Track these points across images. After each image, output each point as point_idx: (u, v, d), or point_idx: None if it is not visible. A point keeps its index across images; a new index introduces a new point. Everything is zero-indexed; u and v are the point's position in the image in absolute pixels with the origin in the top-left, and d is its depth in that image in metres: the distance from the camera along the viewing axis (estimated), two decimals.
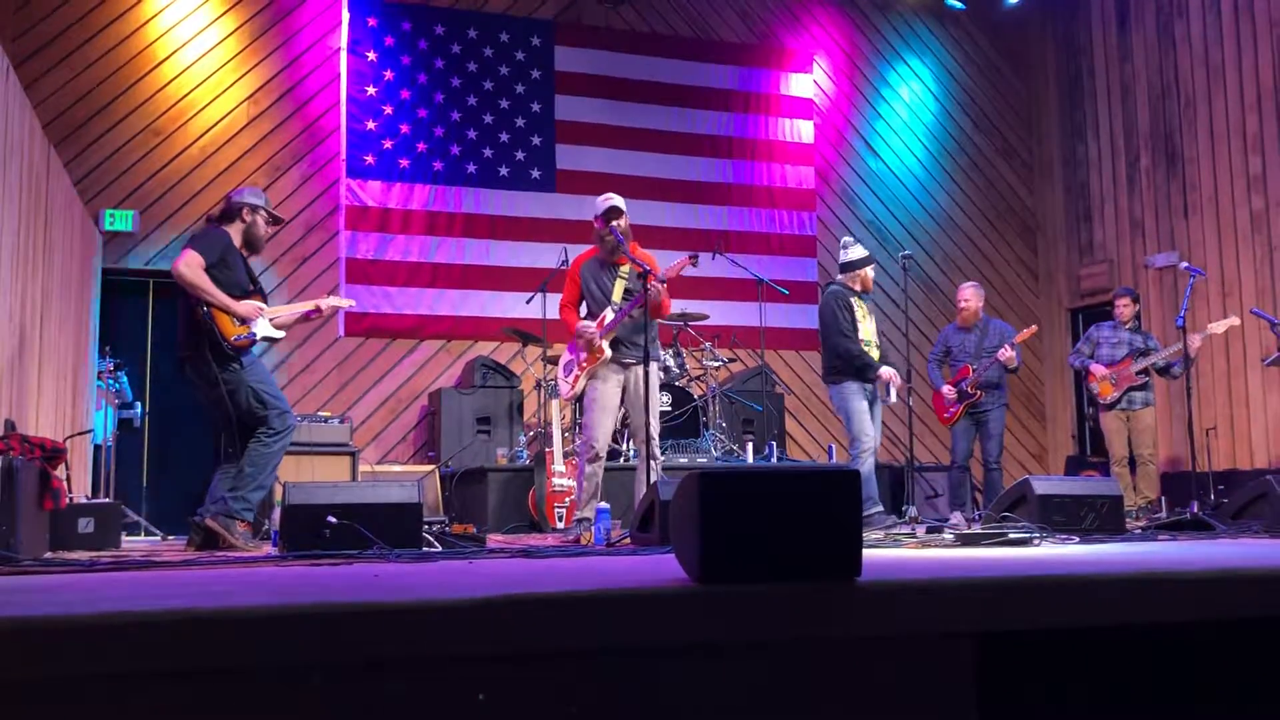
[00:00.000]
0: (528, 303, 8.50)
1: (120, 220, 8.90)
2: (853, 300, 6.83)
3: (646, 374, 5.74)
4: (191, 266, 4.98)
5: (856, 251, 7.05)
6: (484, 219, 9.83)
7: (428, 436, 9.34)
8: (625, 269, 5.89)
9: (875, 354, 6.75)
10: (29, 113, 5.84)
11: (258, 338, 5.14)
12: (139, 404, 8.04)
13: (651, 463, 5.48)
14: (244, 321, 5.05)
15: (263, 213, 5.33)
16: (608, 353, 5.75)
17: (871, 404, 6.72)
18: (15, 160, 5.34)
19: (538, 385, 8.58)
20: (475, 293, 9.67)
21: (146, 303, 9.08)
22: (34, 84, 8.48)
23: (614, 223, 5.77)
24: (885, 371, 6.65)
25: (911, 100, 11.49)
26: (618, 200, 5.88)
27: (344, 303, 5.90)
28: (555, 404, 7.55)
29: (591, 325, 5.74)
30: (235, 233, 5.29)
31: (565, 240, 8.85)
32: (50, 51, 8.80)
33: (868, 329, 6.84)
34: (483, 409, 8.83)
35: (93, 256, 8.34)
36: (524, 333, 8.56)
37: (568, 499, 7.17)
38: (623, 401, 5.88)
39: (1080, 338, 8.62)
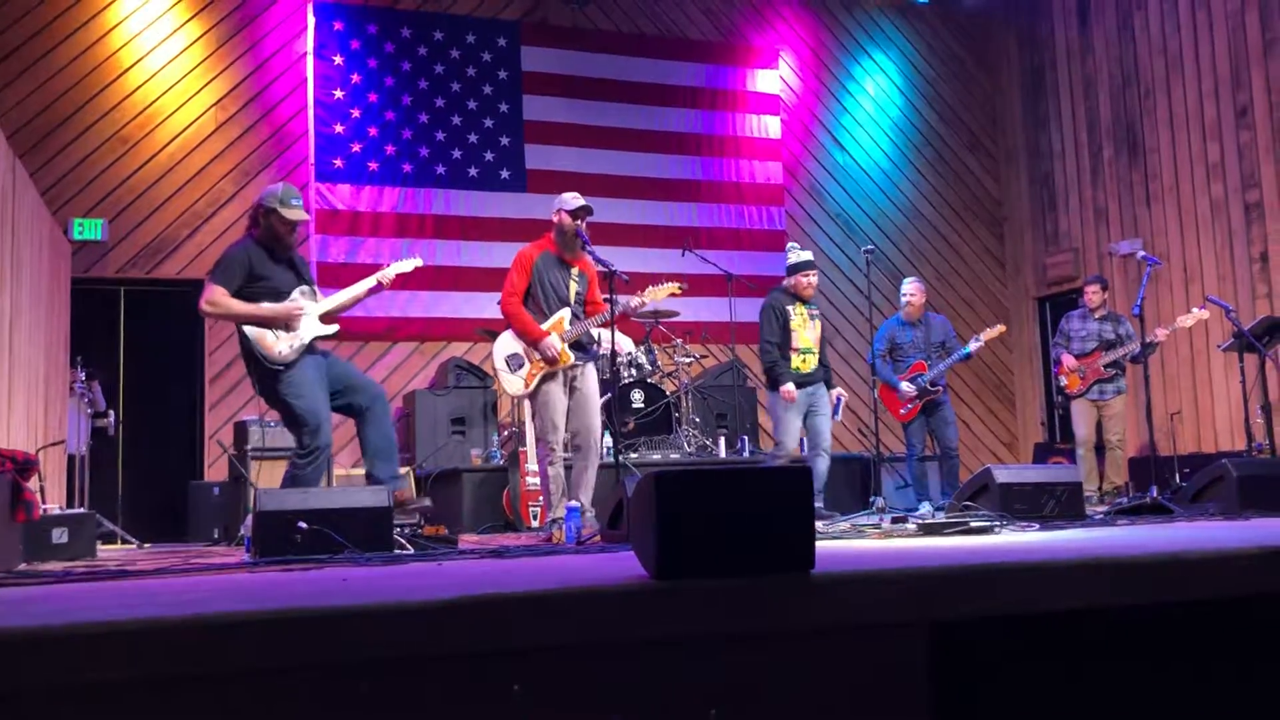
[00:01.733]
0: (499, 305, 8.45)
1: (89, 229, 8.89)
2: (789, 307, 6.93)
3: (586, 375, 5.81)
4: (214, 301, 5.00)
5: (796, 255, 7.09)
6: (454, 220, 9.84)
7: (403, 439, 9.08)
8: (576, 270, 5.87)
9: (813, 361, 6.90)
10: None
11: (304, 344, 5.05)
12: (112, 412, 8.01)
13: (621, 460, 5.54)
14: (287, 329, 5.02)
15: (275, 215, 5.17)
16: (571, 358, 5.72)
17: (812, 411, 6.94)
18: None
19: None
20: (447, 294, 9.67)
21: (118, 311, 9.03)
22: None
23: (579, 223, 5.76)
24: (834, 393, 7.07)
25: (877, 94, 11.53)
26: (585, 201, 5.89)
27: (407, 265, 5.64)
28: (528, 404, 7.29)
29: (557, 346, 5.67)
30: (261, 236, 5.20)
31: (533, 239, 8.90)
32: (13, 62, 8.78)
33: (806, 336, 6.92)
34: (457, 410, 8.80)
35: (62, 266, 8.33)
36: (497, 333, 7.77)
37: (541, 498, 7.09)
38: (570, 402, 5.82)
39: (1051, 326, 8.60)
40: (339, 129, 9.58)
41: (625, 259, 7.96)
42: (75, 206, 8.92)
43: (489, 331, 8.46)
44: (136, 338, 8.90)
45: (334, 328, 5.27)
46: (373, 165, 9.66)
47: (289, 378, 4.99)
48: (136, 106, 9.08)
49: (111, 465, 8.65)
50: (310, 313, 5.09)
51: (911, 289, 7.78)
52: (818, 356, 7.02)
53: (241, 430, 7.66)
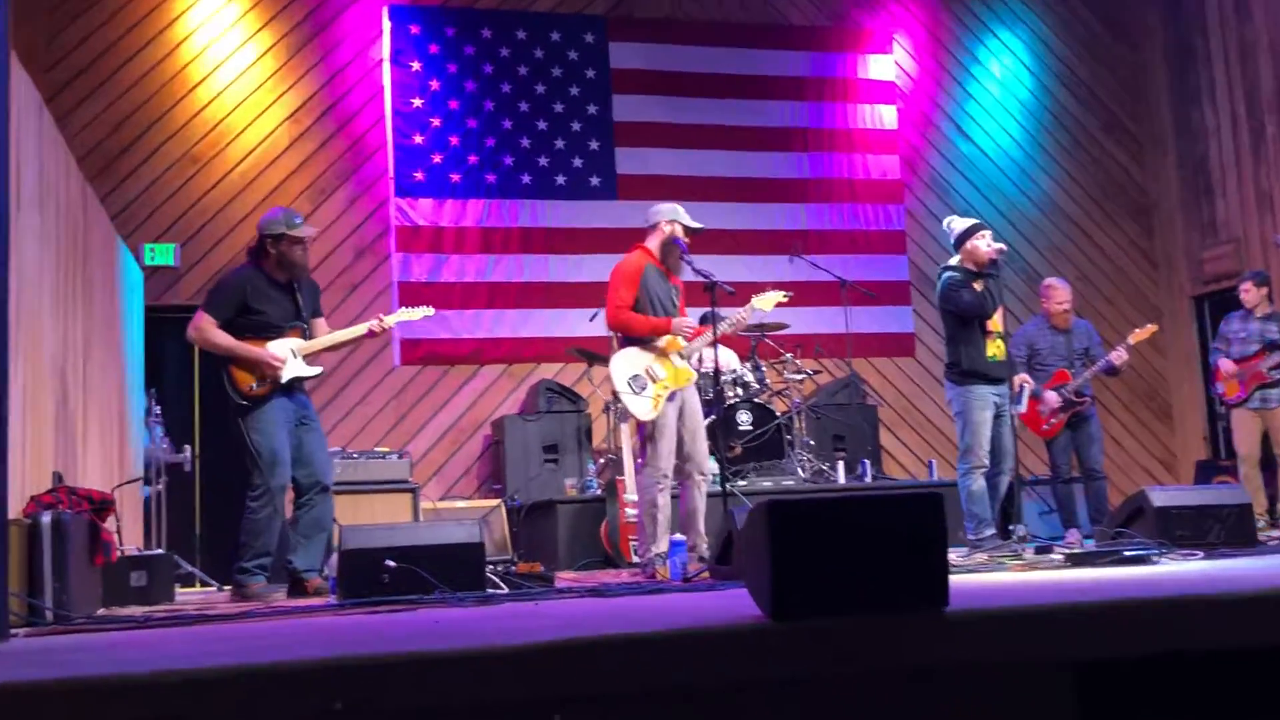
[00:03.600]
0: (591, 320, 8.39)
1: (161, 254, 9.13)
2: (974, 283, 6.33)
3: (690, 396, 5.89)
4: (200, 330, 5.34)
5: (960, 223, 6.61)
6: (541, 232, 9.90)
7: (492, 468, 9.41)
8: (673, 286, 5.99)
9: (1001, 348, 6.34)
10: (63, 149, 5.97)
11: (282, 380, 5.34)
12: (188, 447, 8.15)
13: (729, 488, 5.60)
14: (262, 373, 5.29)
15: (285, 239, 5.46)
16: (694, 375, 5.82)
17: (999, 415, 6.33)
18: (51, 200, 5.47)
19: (607, 408, 8.63)
20: (535, 312, 9.73)
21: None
22: (67, 117, 8.69)
23: (687, 239, 5.88)
24: (1019, 377, 6.59)
25: (1004, 76, 11.33)
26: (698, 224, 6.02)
27: (414, 313, 5.92)
28: (625, 428, 7.50)
29: (692, 330, 5.78)
30: (270, 266, 5.46)
31: (629, 251, 8.96)
32: (82, 82, 9.05)
33: (997, 319, 6.37)
34: (549, 436, 8.87)
35: (134, 294, 8.52)
36: (589, 352, 8.57)
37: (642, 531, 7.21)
38: (679, 425, 5.88)
39: (1212, 327, 8.29)
40: (418, 139, 9.70)
41: (727, 268, 7.88)
42: (147, 231, 9.12)
43: (582, 352, 8.60)
44: (212, 368, 8.72)
45: (317, 369, 5.54)
46: (455, 177, 9.78)
47: (255, 413, 5.29)
48: (207, 124, 9.31)
49: (188, 503, 8.74)
50: (301, 351, 5.38)
51: (1062, 293, 7.52)
52: (1003, 343, 6.46)
53: None
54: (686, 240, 5.89)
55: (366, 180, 9.67)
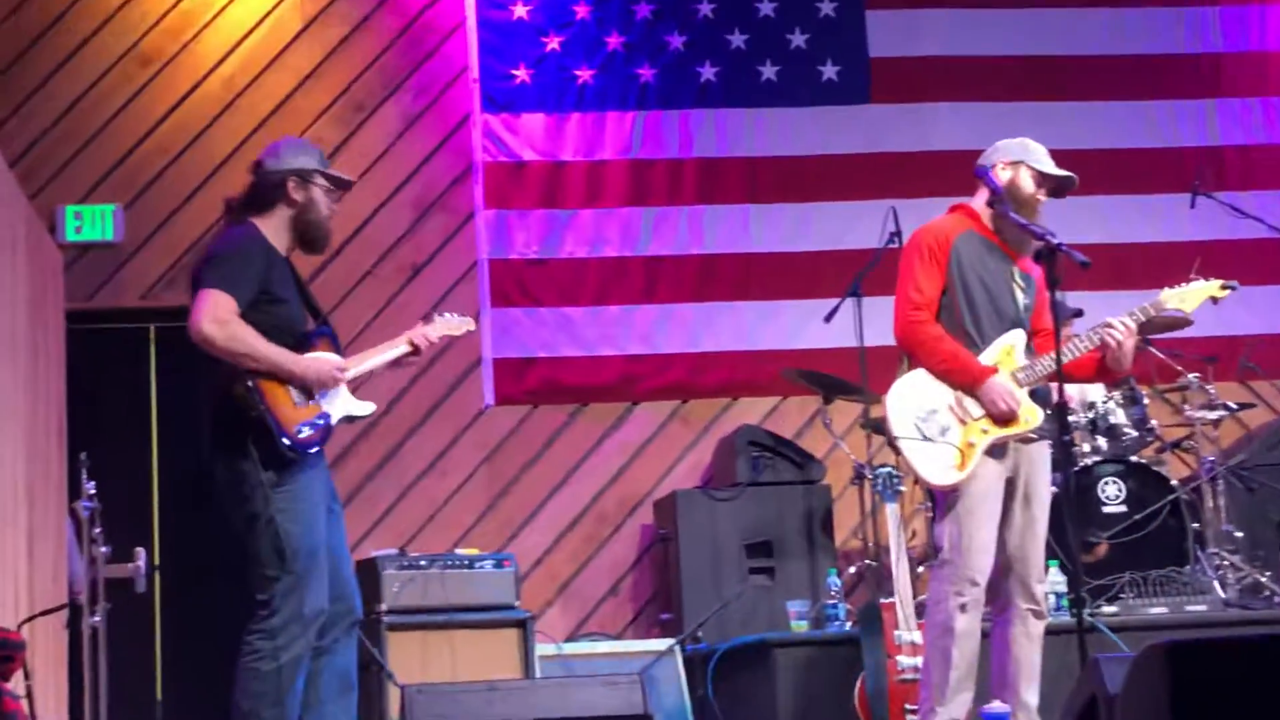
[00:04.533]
0: (828, 320, 7.92)
1: (91, 223, 8.57)
2: None
3: (1036, 460, 5.81)
4: (221, 321, 5.00)
5: None
6: (737, 166, 9.20)
7: (657, 584, 8.85)
8: (1018, 271, 5.86)
9: None
10: None
11: (332, 422, 5.22)
12: (141, 552, 7.17)
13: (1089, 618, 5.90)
14: (309, 395, 5.12)
15: (318, 179, 5.27)
16: (1038, 418, 5.64)
17: None
18: None
19: (858, 475, 8.03)
20: (727, 306, 9.08)
21: (146, 363, 8.71)
22: None
23: (1039, 193, 5.80)
24: None
25: None
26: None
27: (453, 328, 5.77)
28: (894, 509, 6.95)
29: (1012, 392, 5.58)
30: (276, 226, 5.25)
31: (890, 193, 8.18)
32: None
33: None
34: (756, 526, 8.32)
35: (48, 289, 8.03)
36: (826, 378, 8.13)
37: (924, 690, 6.56)
38: (1007, 503, 5.76)
39: None
40: (520, 11, 9.07)
41: (1064, 219, 6.88)
42: (65, 186, 8.63)
43: (810, 375, 8.27)
44: (176, 411, 8.57)
45: (369, 406, 5.48)
46: (582, 73, 9.06)
47: (291, 480, 5.06)
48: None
49: (143, 644, 8.45)
50: (346, 375, 5.38)
51: None
52: None
53: (369, 574, 7.27)
54: (1038, 196, 5.78)
55: (431, 85, 9.08)
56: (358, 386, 5.51)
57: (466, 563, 7.57)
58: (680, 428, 9.07)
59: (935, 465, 5.63)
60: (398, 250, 8.84)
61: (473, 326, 5.94)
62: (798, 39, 9.24)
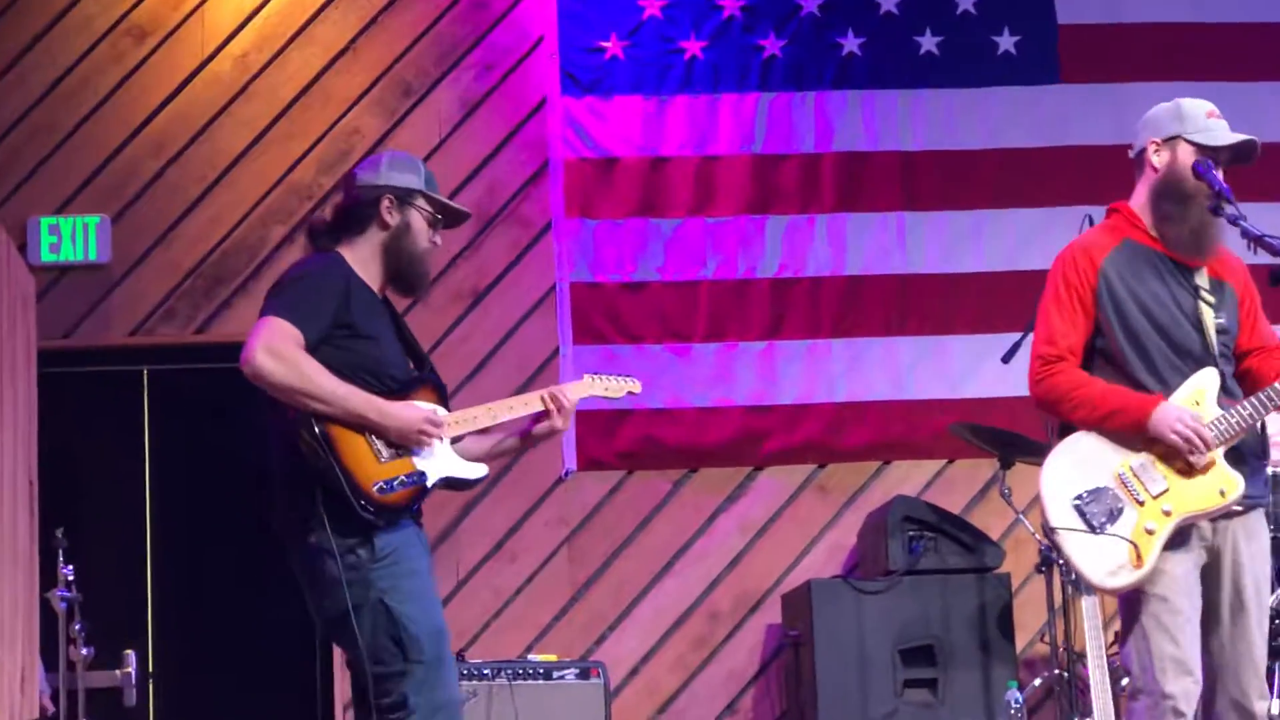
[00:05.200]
0: (1006, 360, 7.60)
1: (71, 239, 8.37)
2: None
3: (1251, 535, 5.27)
4: (278, 353, 4.77)
5: None
6: (888, 162, 8.67)
7: (785, 701, 8.42)
8: (1208, 279, 5.26)
9: None
10: None
11: (428, 483, 4.95)
12: (131, 655, 7.49)
13: None
14: (399, 449, 4.84)
15: (422, 201, 5.00)
16: (1237, 487, 5.16)
17: None
18: None
19: (1045, 562, 7.74)
20: (876, 342, 8.56)
21: (138, 415, 8.47)
22: None
23: (1216, 173, 5.12)
24: None
25: None
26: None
27: (610, 389, 5.59)
28: (1091, 604, 6.99)
29: (1203, 433, 5.11)
30: (365, 255, 4.97)
31: (1084, 197, 7.84)
32: None
33: None
34: (914, 627, 8.02)
35: (19, 326, 7.84)
36: (1004, 434, 7.81)
37: None
38: (1210, 595, 5.23)
39: None
40: None
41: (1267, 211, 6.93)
42: (39, 192, 8.32)
43: (984, 432, 7.89)
44: (176, 476, 8.46)
45: (479, 469, 5.17)
46: (690, 46, 8.49)
47: (389, 549, 4.79)
48: None
49: None
50: (449, 429, 5.12)
51: None
52: None
53: None
54: (1217, 169, 5.05)
55: (498, 62, 8.69)
56: (484, 456, 5.19)
57: (543, 672, 7.45)
58: (816, 500, 8.60)
59: (1103, 563, 5.06)
60: (454, 271, 8.42)
61: (637, 389, 5.59)
62: (965, 2, 8.66)
